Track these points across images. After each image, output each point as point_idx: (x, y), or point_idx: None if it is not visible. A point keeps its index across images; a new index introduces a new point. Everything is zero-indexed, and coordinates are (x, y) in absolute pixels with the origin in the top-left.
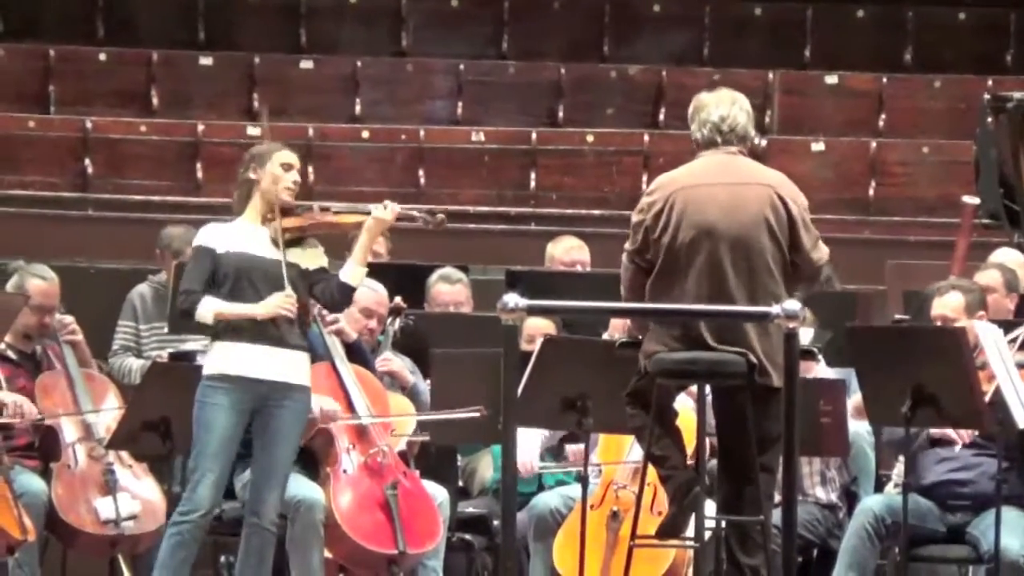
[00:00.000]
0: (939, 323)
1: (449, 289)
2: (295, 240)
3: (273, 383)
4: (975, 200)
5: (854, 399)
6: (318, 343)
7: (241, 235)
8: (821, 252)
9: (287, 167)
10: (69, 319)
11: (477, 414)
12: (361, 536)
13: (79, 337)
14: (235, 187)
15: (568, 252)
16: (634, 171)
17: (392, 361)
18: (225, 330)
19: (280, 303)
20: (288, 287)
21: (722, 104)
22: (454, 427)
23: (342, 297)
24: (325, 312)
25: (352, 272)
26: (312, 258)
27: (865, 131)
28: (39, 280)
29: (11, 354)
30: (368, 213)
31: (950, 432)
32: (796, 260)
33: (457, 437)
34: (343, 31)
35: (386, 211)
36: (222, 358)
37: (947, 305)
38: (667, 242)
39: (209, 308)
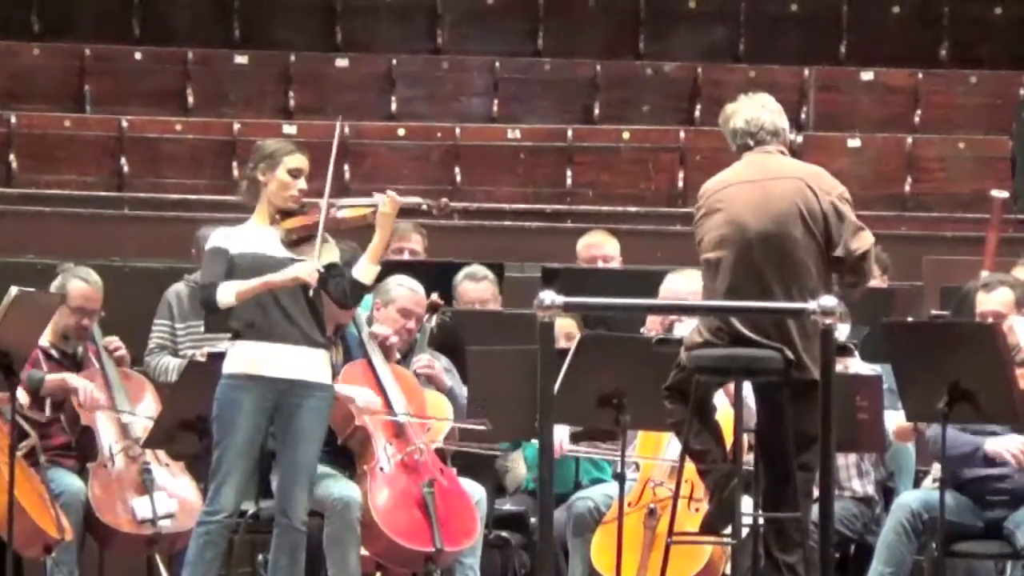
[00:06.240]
0: (990, 319)
1: (475, 287)
2: (304, 238)
3: (293, 381)
4: (1004, 194)
5: (896, 424)
6: (355, 342)
7: (251, 237)
8: (861, 241)
9: (295, 173)
10: (115, 340)
11: (482, 427)
12: (398, 533)
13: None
14: (242, 177)
15: (587, 248)
16: (670, 168)
17: (431, 365)
18: (246, 329)
19: (300, 271)
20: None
21: (746, 108)
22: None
23: (354, 294)
24: (375, 324)
25: (364, 270)
26: (324, 253)
27: (901, 127)
28: (81, 282)
29: (54, 352)
30: (373, 205)
31: (1005, 454)
32: (834, 252)
33: (493, 435)
34: (379, 29)
35: (389, 204)
36: (242, 357)
37: (999, 301)
38: (704, 243)
39: (229, 290)
